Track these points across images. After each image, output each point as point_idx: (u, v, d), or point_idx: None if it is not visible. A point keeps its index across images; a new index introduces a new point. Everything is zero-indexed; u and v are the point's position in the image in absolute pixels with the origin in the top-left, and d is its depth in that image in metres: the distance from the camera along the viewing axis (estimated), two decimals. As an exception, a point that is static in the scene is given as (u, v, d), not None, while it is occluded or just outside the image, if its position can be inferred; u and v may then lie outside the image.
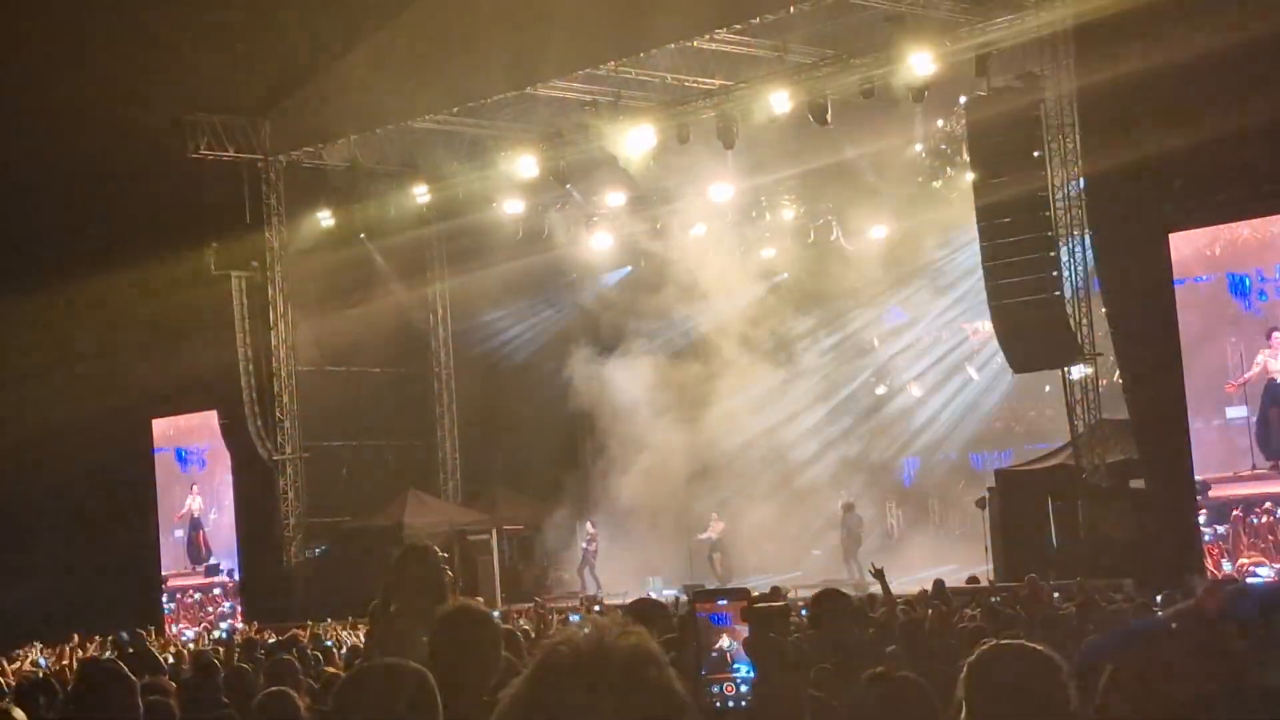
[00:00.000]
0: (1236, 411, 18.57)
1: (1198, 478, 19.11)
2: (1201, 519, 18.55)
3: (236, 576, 31.51)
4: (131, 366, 31.07)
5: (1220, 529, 18.05)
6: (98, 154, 29.58)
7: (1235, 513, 17.68)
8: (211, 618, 30.94)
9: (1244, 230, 18.89)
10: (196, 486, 32.63)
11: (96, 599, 28.72)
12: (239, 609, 30.84)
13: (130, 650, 17.06)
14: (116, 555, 31.85)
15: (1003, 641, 4.51)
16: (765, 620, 4.72)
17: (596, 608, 24.44)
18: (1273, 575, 17.83)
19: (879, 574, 15.06)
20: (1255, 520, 17.76)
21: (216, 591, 31.78)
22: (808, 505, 31.16)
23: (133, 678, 6.62)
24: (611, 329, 33.29)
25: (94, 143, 29.40)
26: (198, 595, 32.06)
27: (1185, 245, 19.48)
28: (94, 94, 28.43)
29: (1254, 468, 18.19)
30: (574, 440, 34.88)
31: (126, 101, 28.36)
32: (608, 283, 34.43)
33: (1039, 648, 4.32)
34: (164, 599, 32.33)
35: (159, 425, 33.21)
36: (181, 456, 32.92)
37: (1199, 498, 18.91)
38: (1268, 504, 17.62)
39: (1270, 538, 17.92)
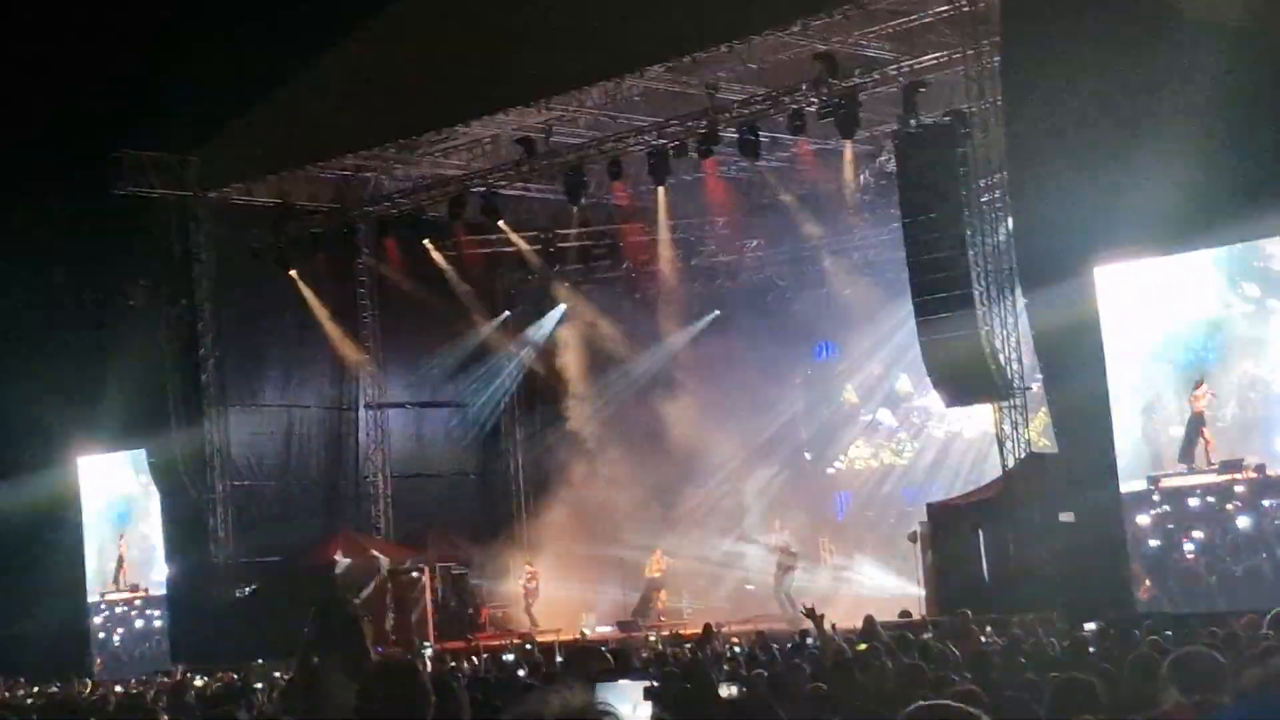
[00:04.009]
0: (1176, 431, 21.65)
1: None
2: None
3: (163, 590, 31.22)
4: (57, 403, 30.64)
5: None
6: (22, 189, 29.33)
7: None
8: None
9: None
10: (124, 538, 32.33)
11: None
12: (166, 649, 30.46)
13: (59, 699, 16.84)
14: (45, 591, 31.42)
15: (933, 702, 4.42)
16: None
17: (528, 645, 24.38)
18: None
19: (810, 613, 15.11)
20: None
21: (139, 602, 31.77)
22: (741, 541, 31.11)
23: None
24: (549, 369, 33.38)
25: (18, 178, 29.15)
26: (124, 607, 32.19)
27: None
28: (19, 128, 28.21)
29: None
30: (510, 477, 34.81)
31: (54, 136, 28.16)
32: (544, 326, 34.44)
33: (968, 709, 4.24)
34: (98, 608, 32.34)
35: (87, 479, 32.77)
36: (110, 506, 32.65)
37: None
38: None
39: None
